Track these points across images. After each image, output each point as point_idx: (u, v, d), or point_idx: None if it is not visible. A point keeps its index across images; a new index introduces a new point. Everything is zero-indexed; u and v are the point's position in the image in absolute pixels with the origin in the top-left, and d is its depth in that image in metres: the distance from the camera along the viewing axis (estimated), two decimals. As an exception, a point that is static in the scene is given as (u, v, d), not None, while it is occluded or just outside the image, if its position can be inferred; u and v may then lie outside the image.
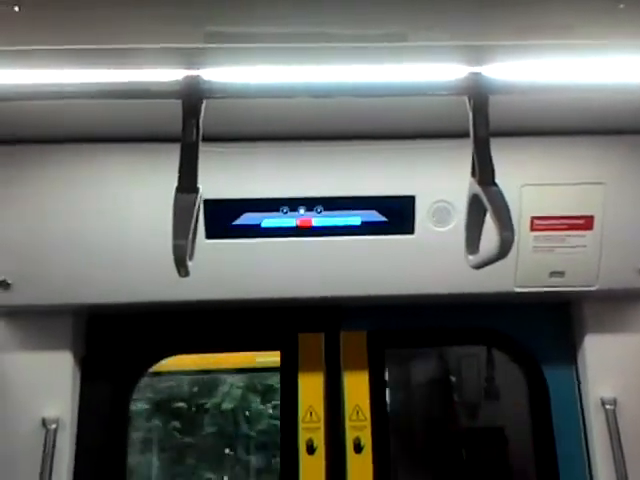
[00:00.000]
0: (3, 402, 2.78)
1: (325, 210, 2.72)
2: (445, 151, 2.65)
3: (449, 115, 2.09)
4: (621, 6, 1.54)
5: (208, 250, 2.57)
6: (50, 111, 2.30)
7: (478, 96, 1.79)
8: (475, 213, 1.88)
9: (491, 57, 1.72)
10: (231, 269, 2.72)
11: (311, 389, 3.02)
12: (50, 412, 2.78)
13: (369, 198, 2.72)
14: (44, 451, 2.71)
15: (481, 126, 1.78)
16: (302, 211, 2.72)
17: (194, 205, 1.72)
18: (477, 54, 1.70)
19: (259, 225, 2.72)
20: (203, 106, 1.75)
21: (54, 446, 2.73)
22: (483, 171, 1.78)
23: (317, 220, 2.73)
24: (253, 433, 6.79)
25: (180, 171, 1.75)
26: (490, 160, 1.78)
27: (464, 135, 1.83)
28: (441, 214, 2.71)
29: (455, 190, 2.63)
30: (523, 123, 2.58)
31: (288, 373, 3.07)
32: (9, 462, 2.74)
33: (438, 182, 2.70)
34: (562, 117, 2.54)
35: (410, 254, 2.74)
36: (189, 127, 1.73)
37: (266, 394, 6.77)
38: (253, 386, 6.86)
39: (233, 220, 2.71)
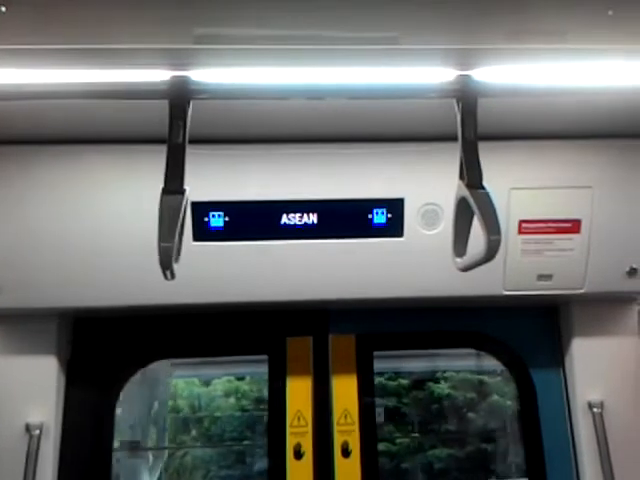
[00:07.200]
0: None
1: (313, 213, 2.71)
2: (434, 154, 2.65)
3: (439, 118, 2.08)
4: (610, 12, 1.54)
5: (195, 253, 2.55)
6: (34, 111, 2.27)
7: (466, 98, 1.79)
8: (463, 216, 1.88)
9: (481, 60, 1.71)
10: (218, 272, 2.69)
11: (299, 393, 3.00)
12: (34, 417, 2.74)
13: (358, 201, 2.71)
14: (27, 458, 2.66)
15: (469, 129, 1.78)
16: (290, 214, 2.71)
17: (180, 207, 1.70)
18: (467, 57, 1.70)
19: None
20: (190, 107, 1.73)
21: (37, 452, 2.68)
22: (471, 174, 1.78)
23: (306, 223, 2.71)
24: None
25: (166, 173, 1.72)
26: (478, 163, 1.78)
27: (453, 138, 1.83)
28: (430, 217, 2.71)
29: (444, 193, 2.62)
30: (511, 127, 2.58)
31: (276, 377, 3.05)
32: None
33: (427, 185, 2.70)
34: (549, 121, 2.55)
35: (399, 257, 2.73)
36: (175, 128, 1.71)
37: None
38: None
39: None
